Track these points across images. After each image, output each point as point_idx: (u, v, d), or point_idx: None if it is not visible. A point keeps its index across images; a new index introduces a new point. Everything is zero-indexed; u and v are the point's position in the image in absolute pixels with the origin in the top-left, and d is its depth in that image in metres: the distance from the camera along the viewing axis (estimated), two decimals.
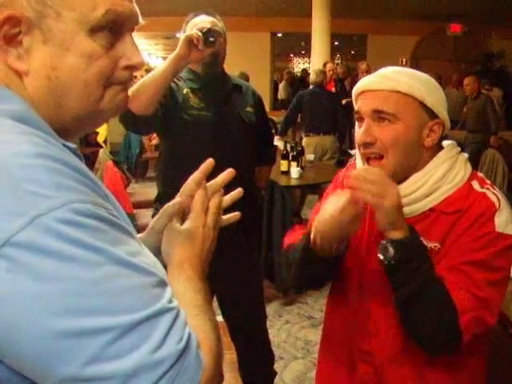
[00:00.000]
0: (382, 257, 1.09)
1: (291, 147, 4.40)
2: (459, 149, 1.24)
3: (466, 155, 1.24)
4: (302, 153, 4.45)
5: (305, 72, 12.51)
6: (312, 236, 1.15)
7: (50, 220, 0.52)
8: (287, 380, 2.67)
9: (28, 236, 0.51)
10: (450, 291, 1.08)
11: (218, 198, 0.81)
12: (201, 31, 1.80)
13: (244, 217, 0.91)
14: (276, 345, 2.90)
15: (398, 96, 1.12)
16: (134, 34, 0.69)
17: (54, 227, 0.52)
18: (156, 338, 0.55)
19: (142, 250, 0.62)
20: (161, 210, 0.83)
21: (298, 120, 6.03)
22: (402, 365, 1.19)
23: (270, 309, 3.38)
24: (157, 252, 0.74)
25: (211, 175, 0.83)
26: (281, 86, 12.02)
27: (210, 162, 0.83)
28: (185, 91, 1.99)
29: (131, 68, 0.68)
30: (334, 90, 6.98)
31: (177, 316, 0.58)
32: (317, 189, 4.73)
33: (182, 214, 0.79)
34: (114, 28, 0.65)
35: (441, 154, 1.18)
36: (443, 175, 1.15)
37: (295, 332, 3.18)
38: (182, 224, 0.77)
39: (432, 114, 1.15)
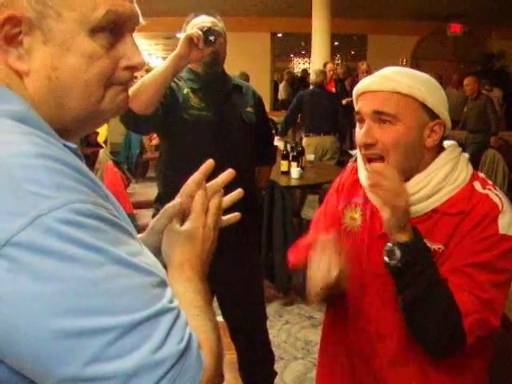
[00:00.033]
0: (387, 260, 1.09)
1: (291, 147, 4.40)
2: (460, 149, 1.24)
3: (466, 156, 1.24)
4: (302, 153, 4.45)
5: (305, 72, 12.51)
6: (308, 293, 1.14)
7: (50, 220, 0.52)
8: (287, 380, 2.67)
9: (28, 236, 0.51)
10: (454, 293, 1.08)
11: (218, 199, 0.80)
12: (201, 30, 1.80)
13: (244, 217, 0.91)
14: (276, 345, 2.90)
15: (399, 97, 1.12)
16: (134, 34, 0.69)
17: (54, 227, 0.52)
18: (157, 338, 0.55)
19: (142, 250, 0.62)
20: (161, 211, 0.83)
21: (298, 120, 6.03)
22: (406, 366, 1.19)
23: (271, 309, 3.38)
24: (157, 252, 0.74)
25: (211, 175, 0.83)
26: (281, 86, 12.02)
27: (209, 162, 0.83)
28: (185, 91, 1.99)
29: (132, 68, 0.68)
30: (334, 90, 6.98)
31: (177, 316, 0.58)
32: (317, 189, 4.72)
33: (182, 215, 0.79)
34: (115, 28, 0.65)
35: (443, 154, 1.18)
36: (446, 176, 1.15)
37: (295, 332, 3.17)
38: (181, 225, 0.77)
39: (433, 115, 1.14)
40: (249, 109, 2.10)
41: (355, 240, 1.26)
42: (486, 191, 1.15)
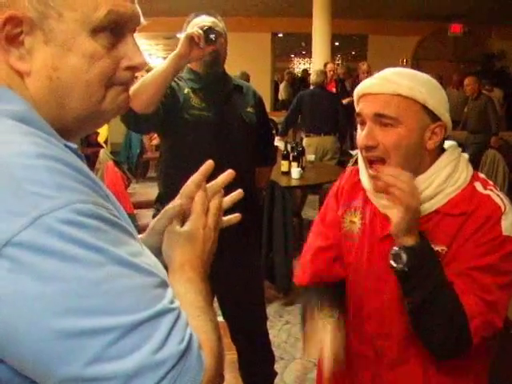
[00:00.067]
0: (394, 263, 1.09)
1: (292, 148, 4.40)
2: (460, 150, 1.23)
3: (466, 156, 1.24)
4: (302, 153, 4.45)
5: (305, 72, 12.51)
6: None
7: (51, 220, 0.52)
8: (288, 380, 2.67)
9: (30, 236, 0.51)
10: (460, 296, 1.08)
11: (219, 199, 0.81)
12: (201, 29, 1.80)
13: (244, 217, 0.91)
14: (276, 345, 2.90)
15: (400, 99, 1.12)
16: (135, 35, 0.69)
17: (55, 227, 0.52)
18: (157, 339, 0.55)
19: (143, 250, 0.62)
20: (161, 212, 0.83)
21: (299, 120, 6.03)
22: (407, 367, 1.19)
23: (271, 309, 3.38)
24: (157, 253, 0.74)
25: (212, 175, 0.83)
26: (281, 86, 12.02)
27: (209, 163, 0.83)
28: (186, 91, 1.99)
29: (133, 69, 0.68)
30: (334, 90, 6.97)
31: (178, 317, 0.58)
32: (317, 189, 4.73)
33: (183, 217, 0.79)
34: (116, 29, 0.65)
35: (444, 156, 1.18)
36: (447, 177, 1.15)
37: (296, 332, 3.17)
38: (182, 226, 0.77)
39: (434, 117, 1.14)
40: (249, 109, 2.10)
41: (355, 243, 1.26)
42: (488, 192, 1.14)
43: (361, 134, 1.16)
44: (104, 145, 6.15)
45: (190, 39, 1.77)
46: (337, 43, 12.44)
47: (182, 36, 1.83)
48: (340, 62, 14.58)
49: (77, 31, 0.62)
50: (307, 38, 9.35)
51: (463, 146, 5.40)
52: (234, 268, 2.06)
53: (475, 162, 5.35)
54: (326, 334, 1.15)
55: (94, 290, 0.53)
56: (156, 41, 13.77)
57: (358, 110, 1.18)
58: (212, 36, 1.81)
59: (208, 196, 0.80)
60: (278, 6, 9.91)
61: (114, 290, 0.54)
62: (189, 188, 0.81)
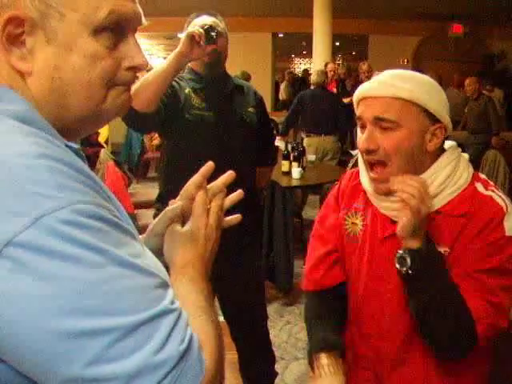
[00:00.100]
0: (399, 266, 1.09)
1: (292, 148, 4.40)
2: (460, 150, 1.23)
3: (466, 156, 1.24)
4: (303, 153, 4.44)
5: (306, 72, 12.52)
6: None
7: (52, 221, 0.52)
8: (288, 380, 2.67)
9: (31, 236, 0.51)
10: (466, 299, 1.08)
11: (221, 199, 0.81)
12: (202, 28, 1.80)
13: (245, 218, 0.91)
14: (277, 345, 2.90)
15: (400, 103, 1.11)
16: (136, 35, 0.69)
17: (56, 228, 0.52)
18: (158, 339, 0.55)
19: (143, 251, 0.62)
20: (160, 214, 0.83)
21: (299, 120, 6.03)
22: (408, 368, 1.19)
23: (271, 309, 3.37)
24: (157, 255, 0.74)
25: (212, 175, 0.83)
26: (282, 86, 12.03)
27: (210, 165, 0.83)
28: (187, 91, 1.99)
29: (134, 69, 0.68)
30: (335, 90, 6.97)
31: (179, 317, 0.58)
32: (318, 189, 4.73)
33: (183, 217, 0.79)
34: (117, 29, 0.65)
35: (443, 156, 1.18)
36: (447, 177, 1.15)
37: (296, 332, 3.17)
38: (183, 226, 0.77)
39: (434, 119, 1.14)
40: (250, 109, 2.10)
41: (357, 244, 1.26)
42: (489, 192, 1.14)
43: (361, 138, 1.16)
44: (105, 145, 6.15)
45: (191, 38, 1.77)
46: (337, 43, 12.45)
47: (182, 36, 1.83)
48: (340, 61, 14.57)
49: (78, 31, 0.62)
50: (308, 38, 9.35)
51: (464, 146, 5.40)
52: (235, 268, 2.06)
53: (476, 163, 5.34)
54: None
55: (95, 291, 0.53)
56: (157, 41, 13.78)
57: (358, 113, 1.18)
58: (213, 34, 1.81)
59: (209, 196, 0.80)
60: (278, 6, 9.91)
61: (115, 290, 0.54)
62: (189, 189, 0.81)
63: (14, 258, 0.51)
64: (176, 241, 0.76)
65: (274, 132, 5.46)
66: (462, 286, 1.09)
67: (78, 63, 0.63)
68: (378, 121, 1.13)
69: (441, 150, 1.19)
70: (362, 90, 1.17)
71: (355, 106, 1.20)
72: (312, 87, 5.90)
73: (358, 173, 1.31)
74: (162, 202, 2.05)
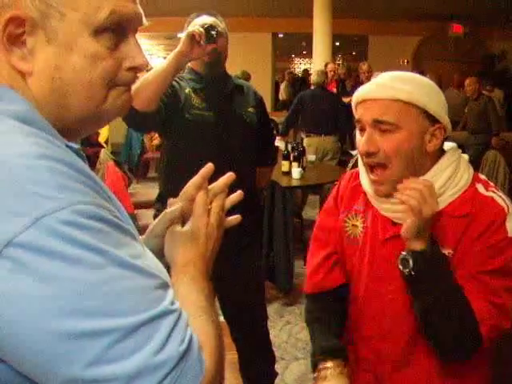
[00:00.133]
0: (401, 268, 1.09)
1: (292, 148, 4.40)
2: (460, 151, 1.23)
3: (466, 157, 1.24)
4: (303, 153, 4.44)
5: (306, 72, 12.51)
6: None
7: (53, 221, 0.52)
8: (288, 381, 2.67)
9: (31, 237, 0.51)
10: (469, 300, 1.08)
11: (222, 199, 0.81)
12: (202, 27, 1.80)
13: (245, 218, 0.91)
14: (277, 345, 2.90)
15: (399, 105, 1.11)
16: (136, 35, 0.69)
17: (57, 228, 0.52)
18: (158, 340, 0.55)
19: (144, 251, 0.62)
20: (160, 216, 0.83)
21: (299, 120, 6.03)
22: (410, 369, 1.19)
23: (271, 309, 3.37)
24: (157, 256, 0.74)
25: (212, 175, 0.83)
26: (282, 86, 12.03)
27: (209, 166, 0.83)
28: (187, 91, 1.99)
29: (135, 69, 0.68)
30: (335, 90, 6.97)
31: (178, 318, 0.58)
32: (318, 189, 4.73)
33: (183, 218, 0.79)
34: (118, 29, 0.65)
35: (444, 158, 1.18)
36: (448, 179, 1.15)
37: (296, 332, 3.17)
38: (183, 227, 0.77)
39: (433, 120, 1.14)
40: (250, 109, 2.10)
41: (358, 246, 1.26)
42: (490, 193, 1.14)
43: (361, 140, 1.16)
44: (105, 145, 6.15)
45: (192, 37, 1.77)
46: (337, 43, 12.45)
47: (182, 35, 1.83)
48: (341, 62, 14.57)
49: (79, 31, 0.62)
50: (308, 38, 9.35)
51: (464, 146, 5.40)
52: (235, 268, 2.06)
53: (476, 163, 5.34)
54: None
55: (95, 292, 0.53)
56: (157, 41, 13.77)
57: (357, 116, 1.17)
58: (213, 33, 1.81)
59: (210, 197, 0.80)
60: (278, 6, 9.91)
61: (115, 291, 0.54)
62: (188, 190, 0.81)
63: (14, 258, 0.51)
64: (176, 240, 0.76)
65: (274, 132, 5.46)
66: (466, 288, 1.09)
67: (79, 63, 0.63)
68: (377, 123, 1.12)
69: (440, 152, 1.19)
70: (360, 93, 1.17)
71: (354, 109, 1.20)
72: (312, 87, 5.90)
73: (357, 174, 1.30)
74: (161, 202, 2.05)
